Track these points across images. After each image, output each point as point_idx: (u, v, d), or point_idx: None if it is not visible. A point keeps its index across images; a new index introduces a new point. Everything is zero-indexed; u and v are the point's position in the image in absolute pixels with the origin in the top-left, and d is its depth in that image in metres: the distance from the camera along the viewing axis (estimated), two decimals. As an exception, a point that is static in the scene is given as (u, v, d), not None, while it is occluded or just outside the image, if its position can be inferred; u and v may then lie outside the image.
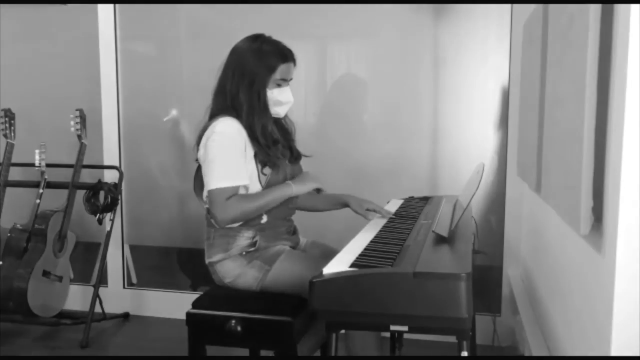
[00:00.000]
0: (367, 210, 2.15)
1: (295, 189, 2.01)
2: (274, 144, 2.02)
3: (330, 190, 2.31)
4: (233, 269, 1.97)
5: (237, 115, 1.97)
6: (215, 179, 1.91)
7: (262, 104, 1.99)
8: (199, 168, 2.05)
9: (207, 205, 2.03)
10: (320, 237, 2.26)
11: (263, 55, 1.98)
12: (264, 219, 2.00)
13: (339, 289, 1.39)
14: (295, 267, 1.94)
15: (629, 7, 1.01)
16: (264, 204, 1.95)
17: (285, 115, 2.13)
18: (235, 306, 1.87)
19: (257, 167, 1.98)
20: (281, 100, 2.02)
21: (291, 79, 2.06)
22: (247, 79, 1.97)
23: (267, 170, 2.00)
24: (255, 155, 1.98)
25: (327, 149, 3.04)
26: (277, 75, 1.99)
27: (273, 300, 1.90)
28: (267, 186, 2.00)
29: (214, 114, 2.01)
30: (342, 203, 2.24)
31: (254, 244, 1.98)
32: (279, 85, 2.01)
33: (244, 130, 1.96)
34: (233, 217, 1.92)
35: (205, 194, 2.02)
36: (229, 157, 1.93)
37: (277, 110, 2.04)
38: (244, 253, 1.98)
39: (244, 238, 1.98)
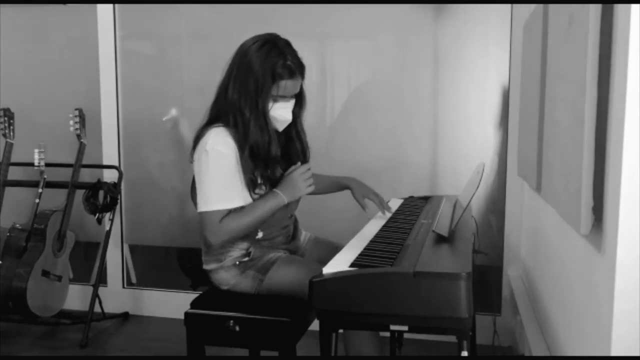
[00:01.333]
0: (369, 199, 2.14)
1: (287, 198, 1.87)
2: (269, 164, 1.87)
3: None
4: (227, 278, 1.95)
5: (234, 125, 1.84)
6: (207, 202, 1.81)
7: (264, 120, 1.83)
8: None
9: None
10: (321, 235, 2.25)
11: (268, 63, 1.80)
12: (260, 234, 1.93)
13: (339, 288, 1.39)
14: (290, 272, 1.91)
15: (629, 7, 1.01)
16: (257, 219, 1.84)
17: (302, 131, 2.01)
18: (234, 306, 1.87)
19: (248, 188, 1.86)
20: (275, 116, 1.87)
21: (296, 93, 1.91)
22: (248, 86, 1.82)
23: (260, 190, 1.88)
24: (245, 173, 1.84)
25: (327, 148, 3.04)
26: (278, 91, 1.83)
27: (271, 301, 1.90)
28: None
29: (211, 119, 1.90)
30: (344, 186, 2.22)
31: (248, 254, 1.94)
32: (275, 101, 1.85)
33: (235, 145, 1.83)
34: (226, 240, 1.86)
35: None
36: (220, 178, 1.81)
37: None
38: (237, 263, 1.93)
39: (238, 250, 1.94)
